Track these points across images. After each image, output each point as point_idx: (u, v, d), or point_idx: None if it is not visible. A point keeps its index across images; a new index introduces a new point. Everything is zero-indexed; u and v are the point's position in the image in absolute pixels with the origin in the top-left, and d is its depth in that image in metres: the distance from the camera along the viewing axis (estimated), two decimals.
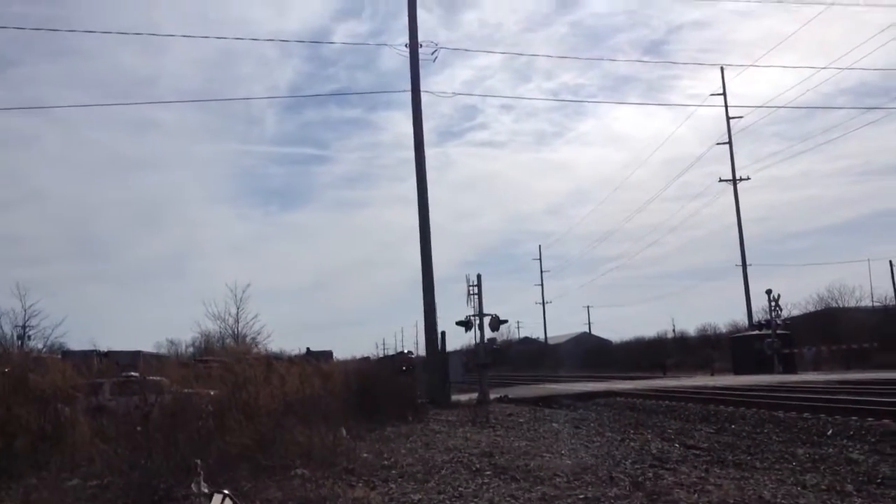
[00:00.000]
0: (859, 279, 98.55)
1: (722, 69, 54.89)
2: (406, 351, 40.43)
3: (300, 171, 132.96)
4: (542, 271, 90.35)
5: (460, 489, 8.38)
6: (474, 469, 9.72)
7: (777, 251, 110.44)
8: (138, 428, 9.42)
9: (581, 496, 7.67)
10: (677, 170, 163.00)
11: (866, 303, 58.39)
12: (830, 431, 13.31)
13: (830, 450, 11.18)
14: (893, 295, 52.62)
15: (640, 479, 8.68)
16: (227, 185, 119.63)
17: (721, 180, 55.44)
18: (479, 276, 26.11)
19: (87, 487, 8.48)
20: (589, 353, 77.52)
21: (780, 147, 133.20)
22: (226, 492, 3.86)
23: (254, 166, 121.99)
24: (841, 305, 58.89)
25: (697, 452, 11.30)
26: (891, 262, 51.79)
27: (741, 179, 54.83)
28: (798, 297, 69.94)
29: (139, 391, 11.39)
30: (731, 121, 55.04)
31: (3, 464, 9.49)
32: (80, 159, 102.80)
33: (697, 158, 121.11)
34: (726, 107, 54.93)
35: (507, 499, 7.72)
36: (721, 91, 54.83)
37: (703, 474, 9.01)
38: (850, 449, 11.17)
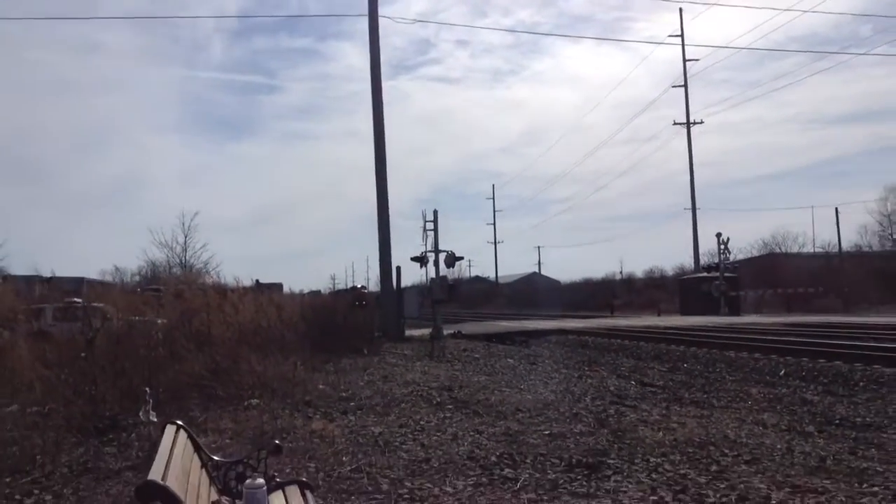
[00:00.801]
0: (803, 226, 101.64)
1: (681, 10, 54.25)
2: (360, 286, 40.06)
3: (248, 100, 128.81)
4: (494, 210, 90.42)
5: (422, 423, 8.18)
6: (435, 403, 9.54)
7: (724, 196, 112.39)
8: (83, 354, 8.94)
9: (546, 432, 7.53)
10: (630, 113, 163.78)
11: (809, 249, 60.21)
12: (783, 372, 13.54)
13: (784, 390, 11.33)
14: (837, 242, 54.08)
15: (602, 415, 8.60)
16: (174, 111, 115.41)
17: (675, 123, 55.57)
18: (435, 212, 25.70)
19: (28, 414, 8.01)
20: (539, 292, 78.34)
21: (731, 93, 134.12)
22: (179, 422, 3.48)
23: (200, 93, 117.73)
24: (784, 251, 60.57)
25: (654, 390, 11.34)
26: (836, 209, 53.06)
27: (695, 123, 55.02)
28: (743, 242, 71.59)
29: (83, 317, 10.84)
30: (686, 63, 54.89)
31: None
32: (19, 80, 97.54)
33: (651, 102, 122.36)
34: (683, 48, 54.58)
35: (471, 433, 7.54)
36: (678, 32, 54.48)
37: (664, 412, 8.99)
38: (804, 389, 11.35)
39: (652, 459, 6.32)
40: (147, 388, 8.20)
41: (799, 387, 11.71)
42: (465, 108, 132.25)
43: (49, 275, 34.22)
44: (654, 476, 5.77)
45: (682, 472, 5.91)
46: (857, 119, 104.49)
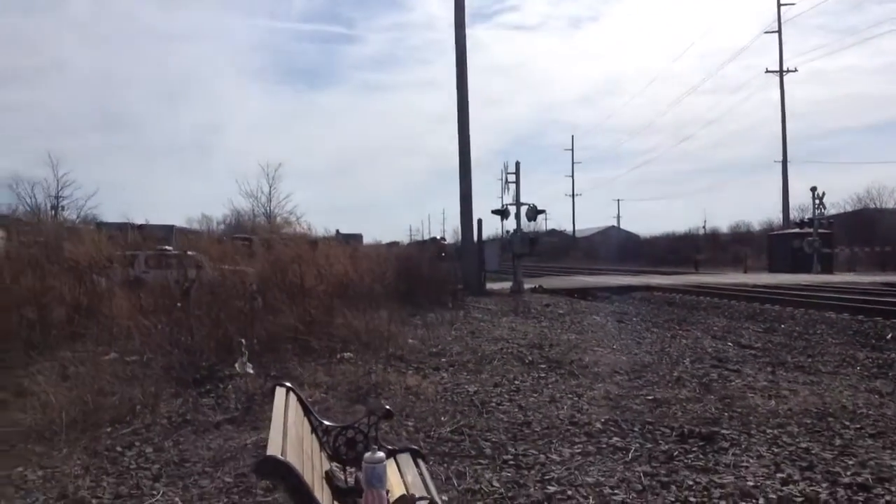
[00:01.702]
0: None
1: None
2: (440, 237, 39.99)
3: (328, 50, 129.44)
4: (573, 162, 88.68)
5: (516, 382, 7.96)
6: (527, 362, 9.30)
7: (815, 149, 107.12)
8: (178, 304, 9.05)
9: (649, 397, 7.20)
10: (716, 61, 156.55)
11: None
12: (890, 335, 12.76)
13: (893, 354, 10.64)
14: None
15: (705, 380, 8.19)
16: (256, 61, 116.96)
17: (767, 71, 52.80)
18: (517, 164, 25.22)
19: (126, 363, 8.17)
20: (617, 246, 76.92)
21: (826, 40, 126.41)
22: (288, 384, 3.32)
23: (281, 43, 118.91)
24: (879, 206, 57.38)
25: (754, 353, 10.82)
26: None
27: (788, 71, 52.15)
28: (835, 197, 68.10)
29: (177, 265, 11.00)
30: (780, 7, 51.75)
31: (37, 336, 9.21)
32: (106, 29, 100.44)
33: (741, 49, 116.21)
34: None
35: (569, 396, 7.28)
36: None
37: (770, 377, 8.51)
38: None
39: (768, 431, 5.93)
40: (242, 340, 8.26)
41: None
42: (543, 56, 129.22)
43: (139, 222, 35.42)
44: (774, 450, 5.39)
45: (803, 445, 5.51)
46: None
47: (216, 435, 6.00)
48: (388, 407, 3.73)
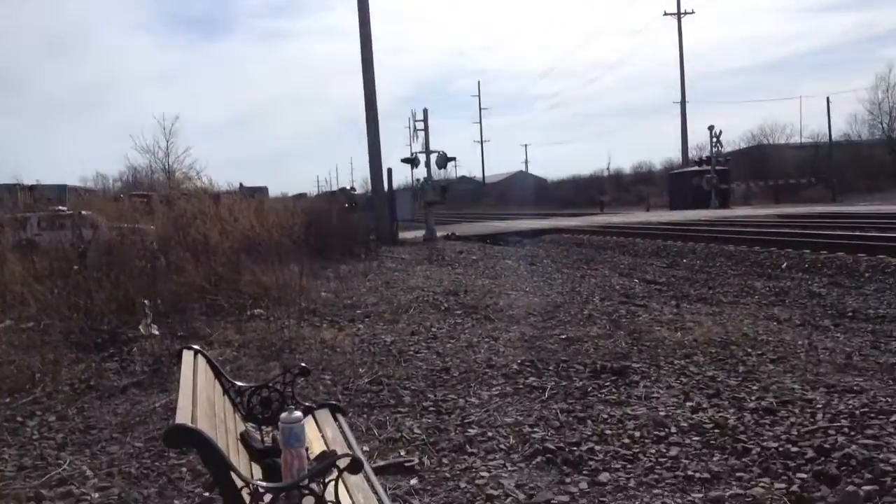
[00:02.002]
0: (791, 118, 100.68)
1: None
2: (350, 187, 39.43)
3: None
4: (480, 108, 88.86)
5: (433, 329, 7.97)
6: (443, 308, 9.32)
7: (713, 88, 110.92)
8: (75, 267, 8.57)
9: (562, 336, 7.34)
10: (617, 3, 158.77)
11: (797, 140, 59.79)
12: (785, 265, 13.40)
13: (789, 283, 11.22)
14: (827, 132, 53.57)
15: (615, 316, 8.42)
16: (146, 11, 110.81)
17: (666, 14, 53.94)
18: (425, 111, 24.97)
19: (22, 331, 7.71)
20: (526, 191, 78.01)
21: None
22: (195, 347, 3.17)
23: None
24: (772, 143, 60.18)
25: (659, 287, 11.20)
26: (827, 98, 52.24)
27: (685, 13, 53.43)
28: (731, 135, 71.01)
29: (71, 226, 10.40)
30: None
31: None
32: None
33: None
34: None
35: (486, 339, 7.34)
36: None
37: (675, 310, 8.83)
38: (809, 282, 11.22)
39: (676, 362, 6.15)
40: (146, 301, 7.92)
41: (803, 279, 11.57)
42: (447, 2, 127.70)
43: (31, 183, 33.38)
44: (682, 380, 5.59)
45: (709, 374, 5.74)
46: (847, 7, 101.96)
47: (122, 400, 5.75)
48: (302, 364, 3.63)
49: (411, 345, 7.22)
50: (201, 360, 3.35)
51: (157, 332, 7.77)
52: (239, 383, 3.55)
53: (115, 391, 5.98)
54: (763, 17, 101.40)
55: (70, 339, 7.53)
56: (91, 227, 10.83)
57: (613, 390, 5.38)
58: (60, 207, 16.78)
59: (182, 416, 2.34)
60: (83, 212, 13.45)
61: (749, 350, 6.50)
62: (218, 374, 3.48)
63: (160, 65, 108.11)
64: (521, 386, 5.57)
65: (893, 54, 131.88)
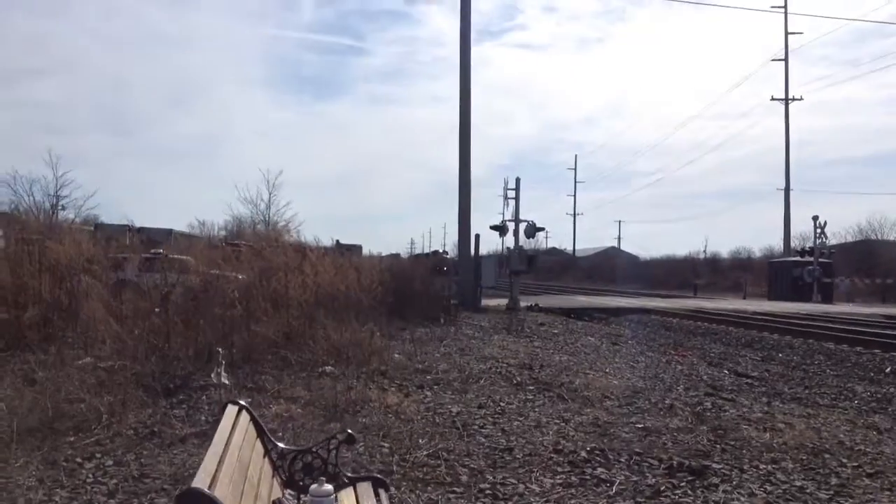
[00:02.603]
0: None
1: None
2: (442, 251, 39.57)
3: (336, 61, 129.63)
4: (575, 181, 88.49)
5: (502, 404, 7.65)
6: (515, 382, 8.99)
7: (815, 178, 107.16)
8: (157, 309, 8.75)
9: (639, 425, 6.88)
10: (721, 87, 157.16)
11: None
12: (889, 369, 12.50)
13: (892, 389, 10.40)
14: None
15: (698, 409, 7.88)
16: (261, 69, 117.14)
17: (773, 99, 52.65)
18: (517, 180, 25.08)
19: (99, 370, 7.86)
20: (617, 267, 76.57)
21: (829, 71, 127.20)
22: (242, 402, 3.02)
23: (289, 52, 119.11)
24: (880, 237, 57.12)
25: (750, 382, 10.52)
26: None
27: (794, 99, 51.98)
28: (836, 227, 67.74)
29: (160, 269, 10.72)
30: (788, 36, 51.72)
31: (10, 336, 8.90)
32: (114, 31, 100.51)
33: (747, 76, 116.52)
34: (786, 19, 51.44)
35: (556, 421, 6.97)
36: (781, 4, 51.28)
37: (766, 408, 8.21)
38: None
39: (762, 466, 5.62)
40: (220, 349, 7.97)
41: None
42: (549, 76, 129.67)
43: (139, 225, 35.17)
44: (767, 487, 5.09)
45: (798, 484, 5.21)
46: None
47: (181, 449, 5.69)
48: (349, 431, 3.45)
49: (477, 418, 6.92)
50: (244, 417, 3.22)
51: (227, 382, 7.77)
52: (282, 445, 3.40)
53: (176, 440, 5.93)
54: (868, 110, 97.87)
55: (142, 381, 7.60)
56: (180, 272, 11.11)
57: (689, 492, 4.93)
58: (158, 250, 17.44)
59: (201, 479, 2.19)
60: (182, 256, 13.90)
61: (844, 460, 5.91)
62: (261, 432, 3.34)
63: (271, 120, 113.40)
64: (587, 477, 5.19)
65: None
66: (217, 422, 2.93)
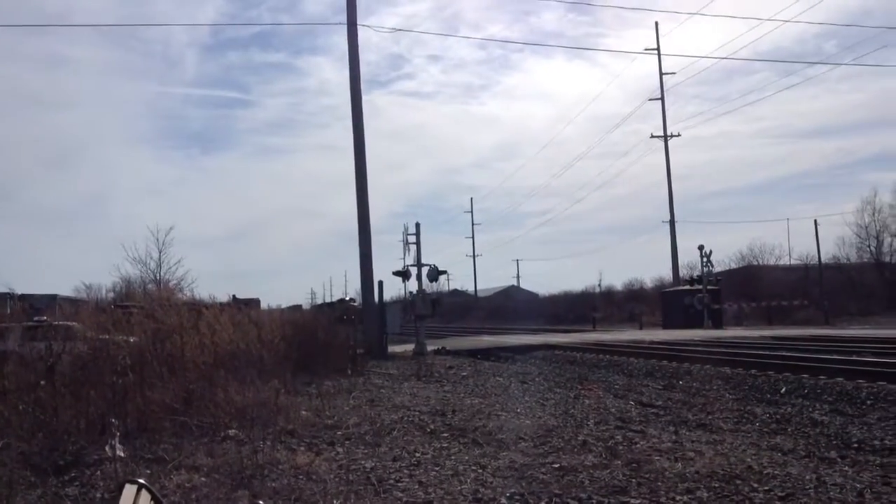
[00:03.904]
0: (779, 239, 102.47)
1: (657, 23, 54.84)
2: (349, 298, 38.85)
3: (222, 114, 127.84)
4: (472, 224, 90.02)
5: (417, 455, 7.47)
6: (428, 430, 8.83)
7: (698, 209, 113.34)
8: (42, 382, 8.13)
9: (555, 465, 6.86)
10: (600, 127, 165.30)
11: (785, 261, 60.35)
12: (784, 389, 13.03)
13: (789, 409, 10.84)
14: (816, 253, 54.07)
15: (611, 443, 7.96)
16: (146, 126, 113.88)
17: (653, 136, 55.53)
18: (417, 225, 25.15)
19: None
20: (518, 305, 77.90)
21: (702, 108, 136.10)
22: (140, 481, 2.78)
23: (173, 108, 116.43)
24: (761, 263, 60.66)
25: (655, 411, 10.76)
26: (815, 220, 53.04)
27: (672, 136, 54.96)
28: (720, 255, 71.49)
29: (43, 338, 10.01)
30: (663, 77, 54.95)
31: None
32: None
33: (626, 116, 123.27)
34: (660, 60, 54.74)
35: (473, 467, 6.85)
36: (652, 46, 54.65)
37: (674, 437, 8.39)
38: (811, 409, 10.83)
39: (678, 497, 5.69)
40: (113, 420, 7.45)
41: (804, 406, 11.17)
42: (439, 123, 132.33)
43: (20, 292, 32.98)
44: None
45: None
46: (826, 133, 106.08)
47: None
48: (260, 502, 3.22)
49: (392, 472, 6.71)
50: (144, 496, 2.95)
51: (122, 454, 7.25)
52: None
53: None
54: (742, 142, 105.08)
55: (30, 460, 7.01)
56: (68, 339, 10.43)
57: None
58: (41, 318, 16.36)
59: None
60: (68, 322, 13.07)
61: (755, 485, 6.06)
62: None
63: (157, 177, 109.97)
64: None
65: (878, 178, 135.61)
66: (114, 502, 2.69)
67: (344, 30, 24.94)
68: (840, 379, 13.43)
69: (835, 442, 8.23)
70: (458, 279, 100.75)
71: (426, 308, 23.89)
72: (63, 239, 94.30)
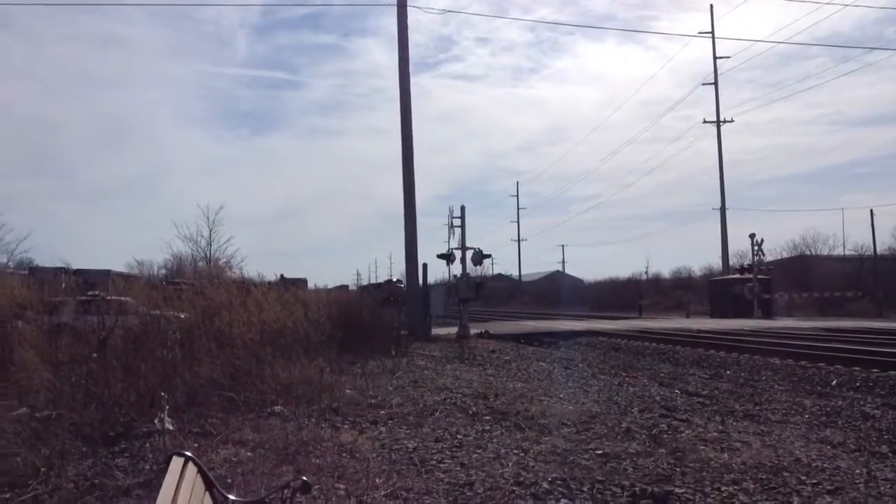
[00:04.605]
0: (833, 228, 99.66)
1: (711, 6, 53.09)
2: (395, 280, 38.87)
3: (272, 95, 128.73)
4: (518, 208, 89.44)
5: (459, 436, 7.49)
6: (471, 413, 8.84)
7: (749, 197, 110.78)
8: (94, 355, 8.34)
9: (598, 451, 6.81)
10: (652, 112, 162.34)
11: (839, 251, 58.60)
12: (835, 382, 12.74)
13: (840, 402, 10.58)
14: (872, 244, 52.41)
15: (655, 431, 7.86)
16: (197, 106, 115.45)
17: (705, 122, 54.21)
18: (462, 208, 25.09)
19: (35, 420, 7.43)
20: (562, 291, 77.32)
21: (755, 94, 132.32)
22: (188, 454, 2.80)
23: (224, 88, 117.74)
24: (814, 253, 59.03)
25: (702, 400, 10.60)
26: (871, 210, 51.35)
27: (725, 122, 53.59)
28: (771, 244, 69.84)
29: (97, 312, 10.26)
30: (716, 61, 53.54)
31: None
32: (44, 74, 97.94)
33: (678, 101, 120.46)
34: (714, 44, 53.17)
35: (515, 451, 6.84)
36: (706, 30, 53.16)
37: (720, 427, 8.25)
38: (861, 402, 10.56)
39: (724, 488, 5.59)
40: (163, 393, 7.61)
41: (855, 399, 10.91)
42: (487, 105, 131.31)
43: (76, 267, 33.93)
44: None
45: None
46: (883, 121, 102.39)
47: (124, 502, 5.37)
48: (304, 478, 3.25)
49: (435, 453, 6.75)
50: (191, 469, 3.00)
51: (172, 427, 7.43)
52: (232, 497, 3.19)
53: (119, 492, 5.60)
54: (796, 129, 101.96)
55: (81, 431, 7.21)
56: (121, 313, 10.67)
57: None
58: (95, 292, 16.81)
59: None
60: (121, 297, 13.39)
61: (803, 478, 5.93)
62: (210, 485, 3.12)
63: (209, 157, 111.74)
64: None
65: None
66: (162, 474, 2.73)
67: (394, 11, 24.94)
68: (893, 372, 13.05)
69: (886, 436, 8.01)
70: (503, 264, 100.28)
71: (470, 291, 23.87)
72: (117, 216, 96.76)
